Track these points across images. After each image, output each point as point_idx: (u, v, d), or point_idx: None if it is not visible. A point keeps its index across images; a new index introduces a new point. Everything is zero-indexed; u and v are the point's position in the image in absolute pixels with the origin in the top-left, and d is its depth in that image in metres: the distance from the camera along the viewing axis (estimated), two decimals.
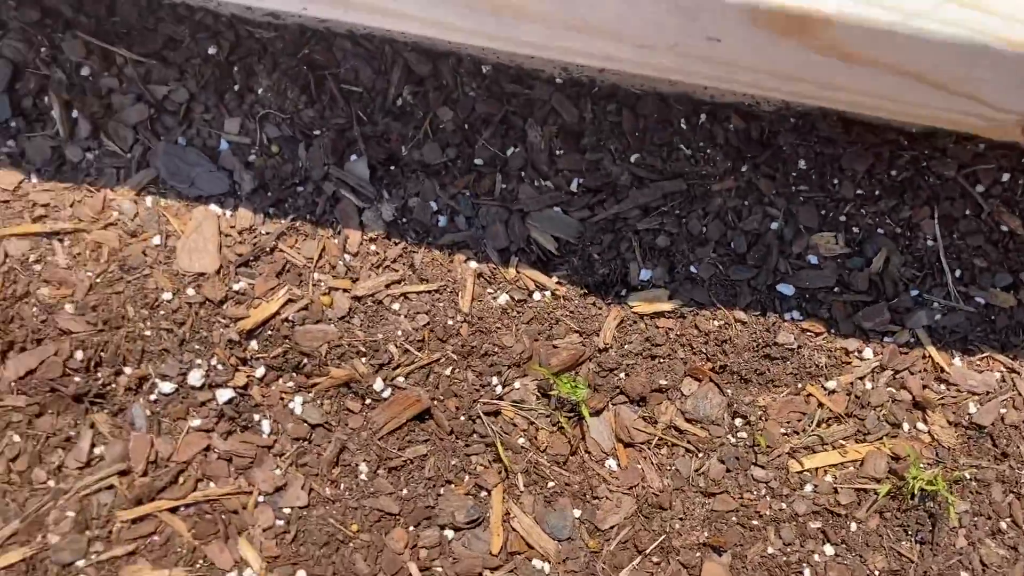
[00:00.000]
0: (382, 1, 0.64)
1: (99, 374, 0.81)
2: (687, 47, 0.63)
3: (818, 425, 0.86)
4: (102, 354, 0.81)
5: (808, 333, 0.88)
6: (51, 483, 0.79)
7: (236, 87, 0.90)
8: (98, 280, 0.83)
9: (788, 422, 0.86)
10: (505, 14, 0.63)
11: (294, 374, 0.83)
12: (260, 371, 0.83)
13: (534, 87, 0.92)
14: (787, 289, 0.89)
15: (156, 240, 0.85)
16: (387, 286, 0.85)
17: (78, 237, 0.84)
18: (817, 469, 0.85)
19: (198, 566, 0.78)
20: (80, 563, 0.77)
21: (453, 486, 0.82)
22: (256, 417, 0.82)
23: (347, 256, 0.86)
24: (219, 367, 0.82)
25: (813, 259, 0.90)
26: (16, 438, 0.80)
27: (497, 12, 0.63)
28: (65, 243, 0.84)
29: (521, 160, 0.91)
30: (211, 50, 0.90)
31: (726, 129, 0.92)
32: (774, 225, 0.90)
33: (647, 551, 0.81)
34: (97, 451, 0.80)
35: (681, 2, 0.57)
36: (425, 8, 0.64)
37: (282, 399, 0.83)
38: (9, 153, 0.87)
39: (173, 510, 0.79)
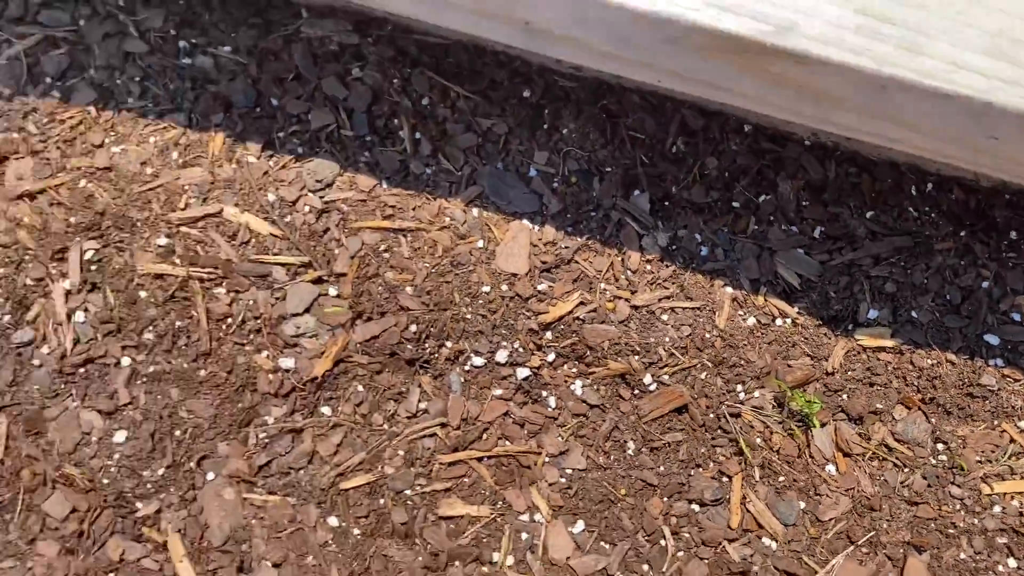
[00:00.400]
0: (725, 80, 0.84)
1: (427, 345, 1.03)
2: (969, 140, 0.81)
3: (1010, 457, 1.02)
4: (431, 329, 1.03)
5: (1008, 379, 1.04)
6: (386, 427, 1.00)
7: (545, 126, 1.11)
8: (432, 270, 1.05)
9: (983, 452, 1.02)
10: (824, 101, 0.81)
11: (578, 362, 1.03)
12: (551, 357, 1.03)
13: (786, 146, 1.11)
14: (993, 339, 1.05)
15: (479, 243, 1.06)
16: (659, 300, 1.05)
17: (418, 235, 1.06)
18: (1005, 494, 1.01)
19: (499, 506, 0.98)
20: (407, 492, 0.98)
21: (701, 469, 1.01)
22: (544, 393, 1.03)
23: (628, 272, 1.06)
24: (520, 350, 1.03)
25: (1016, 317, 1.06)
26: (360, 388, 1.02)
27: (817, 99, 0.82)
28: (408, 238, 1.06)
29: (772, 206, 1.09)
30: (525, 93, 1.12)
31: (949, 198, 1.09)
32: (985, 284, 1.07)
33: (859, 542, 0.98)
34: (423, 406, 1.01)
35: (974, 108, 0.75)
36: (760, 90, 0.83)
37: (566, 381, 1.03)
38: (366, 162, 1.09)
39: (479, 459, 1.00)
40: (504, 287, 1.04)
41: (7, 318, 1.02)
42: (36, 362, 1.00)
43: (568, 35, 0.84)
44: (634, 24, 0.78)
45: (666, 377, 1.03)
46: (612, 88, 1.11)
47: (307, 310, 1.03)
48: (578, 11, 0.79)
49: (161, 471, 0.97)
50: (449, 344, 1.03)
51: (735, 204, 1.09)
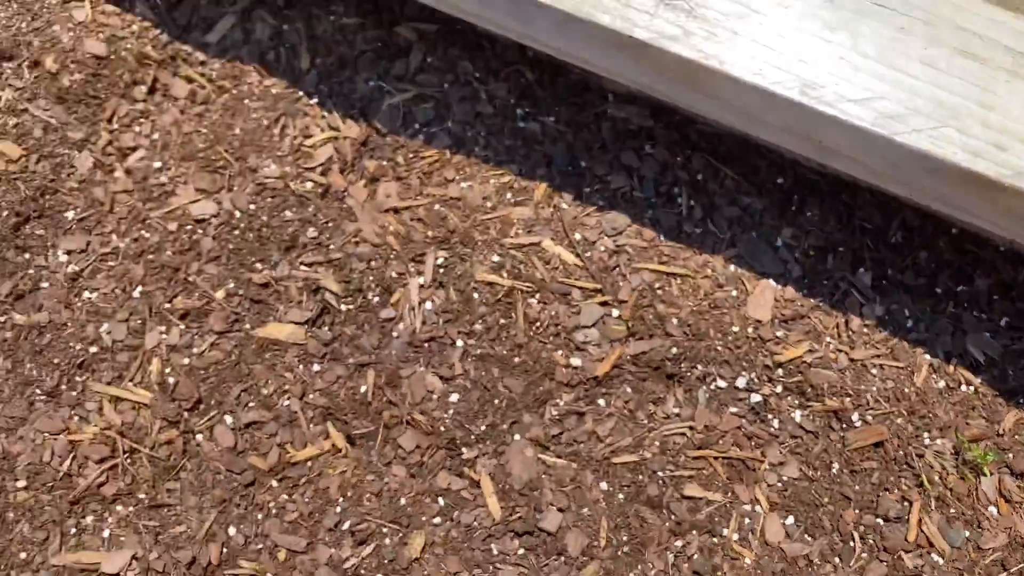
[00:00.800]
0: (955, 199, 1.13)
1: (683, 365, 1.35)
2: None
3: None
4: (688, 353, 1.35)
5: None
6: (646, 422, 1.33)
7: (792, 208, 1.42)
8: (694, 308, 1.37)
9: None
10: None
11: (800, 396, 1.34)
12: (779, 388, 1.34)
13: (984, 249, 1.39)
14: None
15: (733, 293, 1.38)
16: (872, 357, 1.34)
17: (686, 280, 1.39)
18: None
19: (728, 495, 1.29)
20: (660, 473, 1.30)
21: (888, 493, 1.30)
22: (770, 416, 1.33)
23: (849, 332, 1.36)
24: (756, 379, 1.34)
25: None
26: (629, 390, 1.34)
27: (1021, 219, 1.11)
28: (677, 281, 1.39)
29: (968, 296, 1.37)
30: (779, 180, 1.43)
31: None
32: None
33: (1011, 570, 1.26)
34: (675, 411, 1.33)
35: None
36: (978, 209, 1.13)
37: (789, 409, 1.33)
38: (650, 218, 1.42)
39: (716, 458, 1.31)
40: (749, 329, 1.36)
41: (377, 299, 1.39)
42: (395, 334, 1.37)
43: (851, 155, 1.15)
44: (908, 157, 1.09)
45: (869, 417, 1.32)
46: (849, 185, 1.42)
47: (594, 324, 1.37)
48: (870, 145, 1.10)
49: (482, 427, 1.32)
50: (700, 367, 1.35)
51: (938, 290, 1.38)
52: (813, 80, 1.11)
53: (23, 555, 1.23)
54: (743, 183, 1.42)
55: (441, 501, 1.27)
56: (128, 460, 1.28)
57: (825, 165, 1.34)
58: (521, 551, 1.24)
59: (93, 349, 1.35)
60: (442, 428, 1.31)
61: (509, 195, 1.43)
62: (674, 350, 1.34)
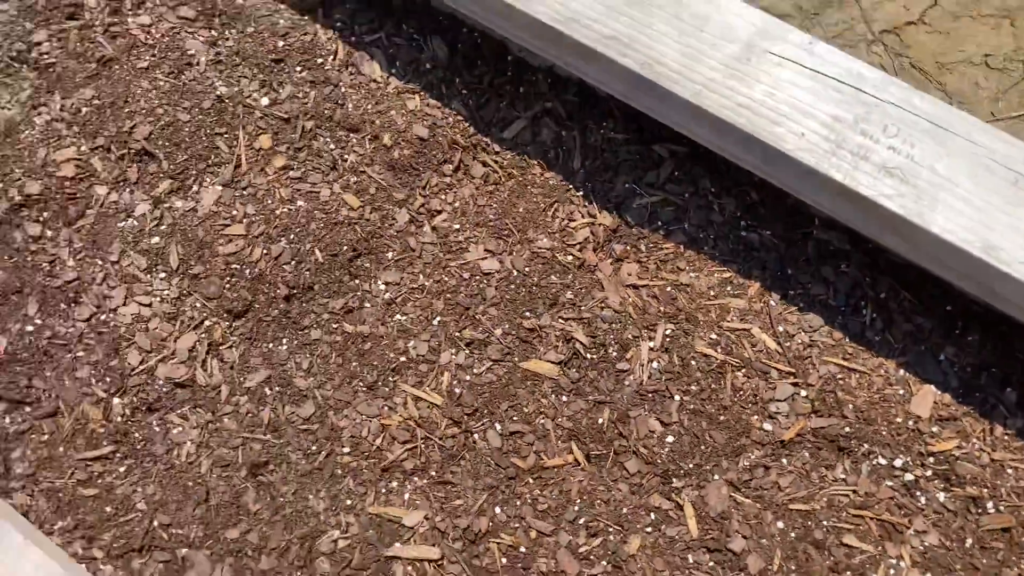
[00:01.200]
0: None
1: (852, 442, 1.72)
2: None
3: None
4: (858, 434, 1.72)
5: None
6: (817, 481, 1.70)
7: (956, 332, 1.78)
8: (867, 399, 1.74)
9: None
10: None
11: (946, 482, 1.68)
12: (928, 473, 1.69)
13: None
14: None
15: (900, 391, 1.74)
16: (1010, 459, 1.69)
17: (863, 375, 1.76)
18: None
19: (879, 548, 1.65)
20: (825, 523, 1.67)
21: (1009, 569, 1.63)
22: (918, 493, 1.69)
23: (993, 437, 1.71)
24: (910, 463, 1.70)
25: None
26: (806, 454, 1.72)
27: None
28: (856, 376, 1.76)
29: None
30: (947, 307, 1.80)
31: None
32: None
33: None
34: (842, 476, 1.70)
35: None
36: None
37: (934, 490, 1.69)
38: (839, 323, 1.81)
39: (871, 518, 1.68)
40: (910, 423, 1.73)
41: (615, 353, 1.82)
42: (627, 383, 1.80)
43: (1017, 303, 1.52)
44: None
45: (1002, 507, 1.66)
46: (1007, 319, 1.77)
47: (785, 400, 1.76)
48: None
49: (690, 465, 1.72)
50: (867, 446, 1.72)
51: None
52: (995, 243, 1.48)
53: (348, 502, 1.70)
54: (918, 306, 1.79)
55: (653, 516, 1.68)
56: (424, 444, 1.74)
57: (991, 304, 1.70)
58: (711, 564, 1.63)
59: (402, 359, 1.83)
60: (658, 460, 1.72)
61: (728, 288, 1.85)
62: (847, 429, 1.71)
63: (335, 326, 1.85)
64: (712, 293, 1.84)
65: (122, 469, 1.73)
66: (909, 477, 1.67)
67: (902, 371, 1.75)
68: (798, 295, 1.82)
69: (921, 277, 1.80)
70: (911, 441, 1.69)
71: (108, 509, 1.70)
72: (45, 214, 1.95)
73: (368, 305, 1.88)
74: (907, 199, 1.52)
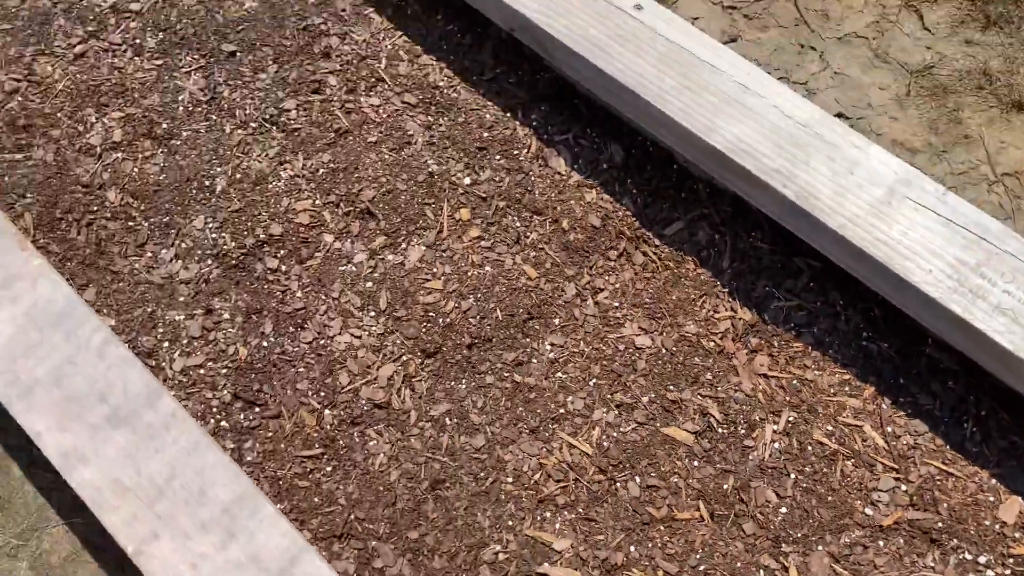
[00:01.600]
0: None
1: (943, 537, 2.00)
2: None
3: None
4: (950, 530, 2.00)
5: None
6: (910, 567, 1.99)
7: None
8: (960, 502, 2.03)
9: None
10: None
11: None
12: (1008, 572, 1.96)
13: None
14: None
15: (991, 498, 2.02)
16: None
17: (959, 480, 2.05)
18: None
19: None
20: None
21: None
22: None
23: None
24: (993, 560, 1.97)
25: None
26: (901, 541, 2.01)
27: None
28: (951, 479, 2.05)
29: None
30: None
31: None
32: None
33: None
34: (931, 564, 1.99)
35: None
36: None
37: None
38: (942, 432, 2.10)
39: None
40: (997, 526, 2.00)
41: (743, 431, 2.15)
42: (750, 457, 2.12)
43: None
44: None
45: None
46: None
47: (887, 491, 2.06)
48: None
49: (798, 534, 2.03)
50: (956, 541, 2.00)
51: None
52: None
53: (509, 523, 2.07)
54: (1014, 426, 2.07)
55: (762, 573, 1.99)
56: (574, 485, 2.10)
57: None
58: None
59: (561, 410, 2.20)
60: (771, 526, 2.04)
61: (847, 388, 2.17)
62: (939, 524, 2.00)
63: (507, 375, 2.24)
64: (832, 391, 2.16)
65: (329, 468, 2.14)
66: (991, 573, 1.94)
67: (994, 480, 2.03)
68: (907, 402, 2.13)
69: (1019, 401, 2.09)
70: (996, 542, 1.96)
71: (316, 500, 2.10)
72: (282, 252, 2.40)
73: (535, 361, 2.26)
74: (1016, 336, 1.82)
